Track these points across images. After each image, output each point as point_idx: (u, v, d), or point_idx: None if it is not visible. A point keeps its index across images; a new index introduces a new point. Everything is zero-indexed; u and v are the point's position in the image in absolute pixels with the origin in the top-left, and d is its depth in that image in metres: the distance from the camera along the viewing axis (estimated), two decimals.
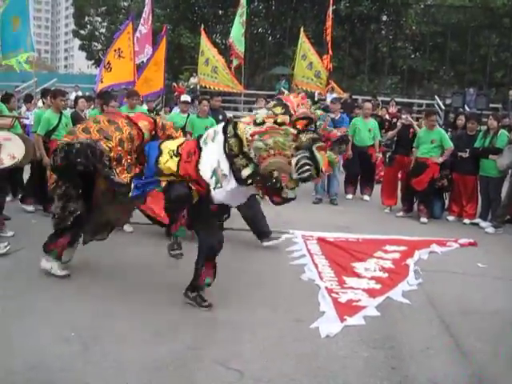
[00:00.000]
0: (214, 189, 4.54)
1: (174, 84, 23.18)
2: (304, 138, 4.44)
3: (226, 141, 4.49)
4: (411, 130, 10.00)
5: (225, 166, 4.48)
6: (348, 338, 4.42)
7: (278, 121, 4.41)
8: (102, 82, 13.49)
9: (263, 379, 3.69)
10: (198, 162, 4.69)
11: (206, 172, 4.61)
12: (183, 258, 5.19)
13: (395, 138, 10.32)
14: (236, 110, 22.19)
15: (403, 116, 10.33)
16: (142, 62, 17.22)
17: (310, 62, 19.45)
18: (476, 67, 28.88)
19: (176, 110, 14.01)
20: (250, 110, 13.15)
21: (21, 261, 5.97)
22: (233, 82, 19.07)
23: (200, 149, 4.77)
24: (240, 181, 4.43)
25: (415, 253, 7.08)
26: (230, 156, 4.43)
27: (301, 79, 19.85)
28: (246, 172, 4.37)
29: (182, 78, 26.73)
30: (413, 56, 30.82)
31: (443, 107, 22.91)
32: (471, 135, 9.14)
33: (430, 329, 4.75)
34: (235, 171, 4.42)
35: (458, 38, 28.50)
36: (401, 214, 9.59)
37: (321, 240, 7.50)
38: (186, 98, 10.94)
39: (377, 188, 11.02)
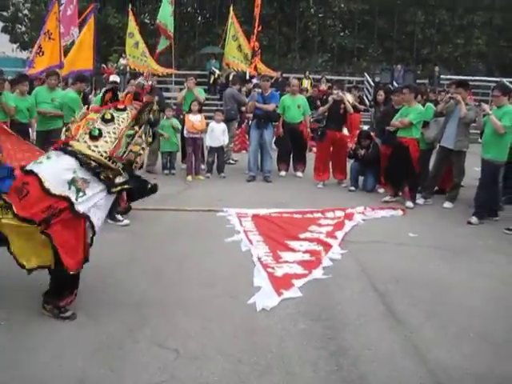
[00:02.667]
0: (77, 199, 3.98)
1: (103, 66, 22.62)
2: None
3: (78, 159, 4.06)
4: (342, 106, 10.08)
5: (83, 173, 4.04)
6: (285, 311, 4.42)
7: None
8: (33, 67, 13.15)
9: (200, 357, 3.64)
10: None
11: (57, 187, 3.97)
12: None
13: (326, 114, 10.39)
14: (167, 90, 21.84)
15: (334, 91, 10.38)
16: (66, 44, 16.73)
17: (239, 45, 19.46)
18: (403, 44, 29.46)
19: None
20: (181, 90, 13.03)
21: None
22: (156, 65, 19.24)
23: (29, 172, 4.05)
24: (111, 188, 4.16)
25: (345, 223, 7.21)
26: (93, 169, 4.07)
27: (232, 59, 19.82)
28: (119, 179, 4.20)
29: (111, 59, 26.05)
30: (342, 34, 31.12)
31: (372, 84, 23.30)
32: (398, 108, 9.19)
33: (365, 298, 4.82)
34: (105, 180, 4.11)
35: (386, 16, 28.94)
36: (387, 198, 9.01)
37: (255, 217, 7.48)
38: (114, 78, 10.72)
39: (308, 164, 11.12)
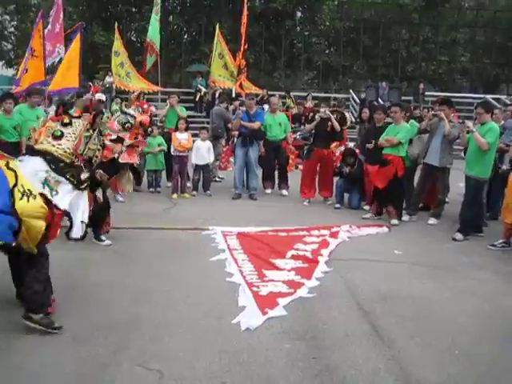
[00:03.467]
0: (52, 197, 4.28)
1: (90, 83, 22.56)
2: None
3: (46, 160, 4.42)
4: (329, 124, 10.14)
5: (54, 174, 4.38)
6: (270, 331, 4.38)
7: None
8: (20, 85, 13.28)
9: (185, 378, 3.59)
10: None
11: (36, 186, 4.26)
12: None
13: (313, 131, 10.46)
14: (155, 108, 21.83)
15: (321, 110, 10.46)
16: (54, 62, 16.78)
17: (225, 63, 19.54)
18: (388, 61, 29.82)
19: None
20: None
21: None
22: (145, 83, 19.20)
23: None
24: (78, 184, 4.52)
25: (331, 242, 7.22)
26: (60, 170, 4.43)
27: (217, 77, 19.88)
28: (84, 176, 4.58)
29: (97, 77, 26.04)
30: (327, 51, 31.41)
31: (358, 101, 23.48)
32: (379, 126, 9.21)
33: (350, 316, 4.79)
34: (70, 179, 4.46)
35: (371, 34, 29.29)
36: (368, 215, 9.03)
37: (240, 235, 7.46)
38: (100, 96, 10.63)
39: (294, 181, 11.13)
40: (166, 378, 3.58)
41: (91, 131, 4.92)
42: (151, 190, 10.76)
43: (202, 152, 10.64)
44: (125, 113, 6.17)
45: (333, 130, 10.14)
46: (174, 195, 10.33)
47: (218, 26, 19.71)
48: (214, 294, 5.23)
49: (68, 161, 4.51)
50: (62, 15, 17.17)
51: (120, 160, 5.83)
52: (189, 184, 10.82)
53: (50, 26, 16.88)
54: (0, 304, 4.69)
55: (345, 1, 30.70)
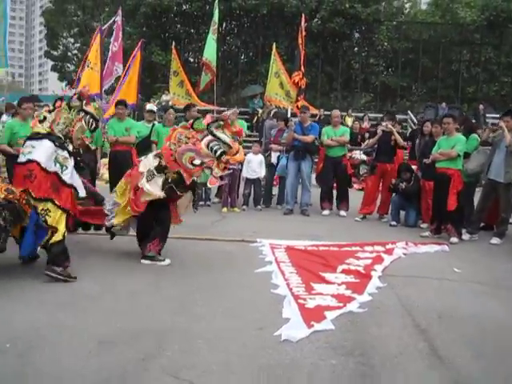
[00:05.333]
0: (62, 172, 5.47)
1: (146, 103, 22.85)
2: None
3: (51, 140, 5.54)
4: (392, 138, 9.79)
5: (61, 151, 5.53)
6: (315, 345, 4.02)
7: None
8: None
9: None
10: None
11: (50, 166, 5.42)
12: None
13: (376, 146, 10.12)
14: None
15: (383, 123, 10.11)
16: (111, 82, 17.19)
17: (280, 82, 19.35)
18: (448, 83, 29.01)
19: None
20: None
21: None
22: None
23: None
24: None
25: (385, 258, 6.80)
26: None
27: (274, 96, 19.66)
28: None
29: (154, 97, 26.38)
30: (385, 73, 30.89)
31: (416, 121, 22.86)
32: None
33: (404, 334, 4.37)
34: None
35: (430, 54, 28.65)
36: (426, 233, 8.53)
37: (289, 249, 7.13)
38: (151, 107, 10.66)
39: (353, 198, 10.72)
40: None
41: (71, 115, 5.77)
42: (201, 203, 10.54)
43: (254, 166, 10.42)
44: (215, 136, 5.83)
45: (396, 144, 9.81)
46: (224, 209, 10.11)
47: (274, 45, 19.60)
48: (257, 305, 4.91)
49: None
50: (121, 35, 17.53)
51: (209, 185, 6.36)
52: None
53: (110, 46, 17.31)
54: None
55: (403, 21, 30.23)
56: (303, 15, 18.84)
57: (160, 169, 5.95)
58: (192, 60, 30.96)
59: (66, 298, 4.91)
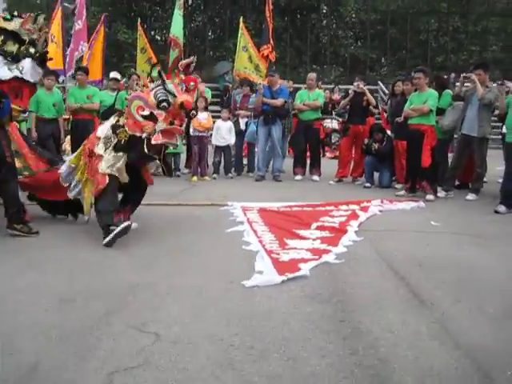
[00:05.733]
0: None
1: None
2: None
3: None
4: (364, 98, 9.56)
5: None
6: (289, 295, 3.76)
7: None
8: None
9: (183, 340, 2.99)
10: None
11: None
12: None
13: (348, 107, 9.89)
14: None
15: (355, 83, 9.83)
16: (77, 59, 16.68)
17: (249, 55, 18.96)
18: (417, 53, 28.89)
19: None
20: None
21: None
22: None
23: None
24: None
25: (361, 215, 6.57)
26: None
27: (243, 70, 19.20)
28: None
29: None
30: (354, 45, 30.64)
31: (387, 91, 22.66)
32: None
33: (383, 281, 4.14)
34: None
35: (398, 25, 28.48)
36: (401, 193, 8.37)
37: (262, 210, 6.85)
38: (115, 74, 10.23)
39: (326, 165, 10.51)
40: (162, 341, 2.99)
41: None
42: None
43: (223, 133, 10.09)
44: (166, 89, 5.15)
45: (368, 105, 9.59)
46: (194, 178, 9.77)
47: (241, 19, 19.17)
48: (228, 261, 4.63)
49: None
50: (85, 13, 16.96)
51: (152, 141, 5.08)
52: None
53: (74, 24, 16.81)
54: None
55: None
56: None
57: (114, 128, 5.34)
58: (159, 38, 30.33)
59: (28, 259, 4.61)
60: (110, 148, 5.25)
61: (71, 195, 5.66)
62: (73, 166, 5.67)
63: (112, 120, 5.52)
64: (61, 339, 3.03)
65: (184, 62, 5.56)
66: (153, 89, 5.16)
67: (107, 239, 5.00)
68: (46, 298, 3.65)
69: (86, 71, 9.76)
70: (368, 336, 3.11)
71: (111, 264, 4.54)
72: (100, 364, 2.74)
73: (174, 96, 5.13)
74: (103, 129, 5.49)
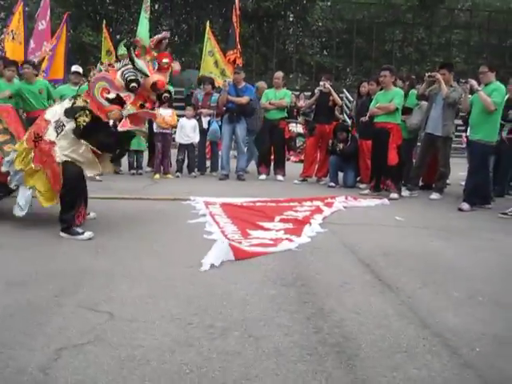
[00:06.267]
0: None
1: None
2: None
3: None
4: (330, 98, 9.50)
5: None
6: (250, 278, 3.62)
7: None
8: None
9: (138, 319, 2.83)
10: None
11: None
12: None
13: (314, 107, 9.83)
14: None
15: (321, 83, 9.77)
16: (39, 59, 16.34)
17: (215, 60, 18.86)
18: (382, 63, 29.02)
19: None
20: None
21: None
22: None
23: None
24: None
25: (325, 210, 6.48)
26: None
27: (209, 74, 19.12)
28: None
29: (85, 79, 25.35)
30: (320, 53, 30.80)
31: (351, 99, 22.80)
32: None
33: (348, 268, 4.03)
34: None
35: (364, 35, 28.72)
36: (366, 192, 8.23)
37: (224, 205, 6.68)
38: (76, 68, 9.92)
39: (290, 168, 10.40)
40: (116, 320, 2.82)
41: None
42: (132, 171, 9.97)
43: (187, 131, 9.90)
44: (136, 68, 4.61)
45: (334, 105, 9.54)
46: (156, 175, 9.55)
47: (208, 24, 19.06)
48: (188, 249, 4.46)
49: None
50: (49, 12, 16.64)
51: (119, 128, 4.59)
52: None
53: (35, 23, 16.49)
54: None
55: (337, 1, 30.18)
56: None
57: (70, 111, 4.72)
58: (125, 41, 30.00)
59: None
60: (63, 133, 4.72)
61: (12, 185, 5.12)
62: (9, 152, 5.16)
63: (65, 103, 4.91)
64: (7, 318, 2.84)
65: (156, 37, 4.86)
66: (120, 68, 4.65)
67: (64, 235, 4.71)
68: None
69: (32, 64, 9.45)
70: (333, 316, 2.99)
71: (65, 250, 4.33)
72: (47, 341, 2.56)
73: (146, 75, 4.64)
74: (52, 112, 4.93)
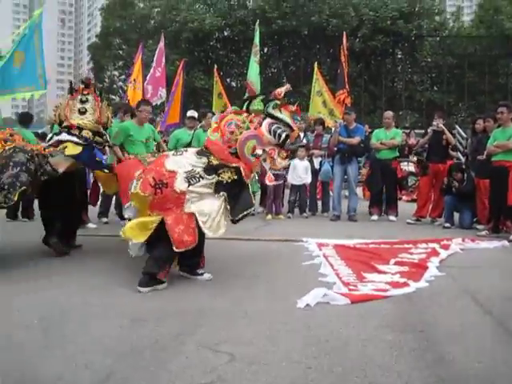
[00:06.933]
0: None
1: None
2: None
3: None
4: (444, 137, 9.37)
5: None
6: (366, 323, 3.63)
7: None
8: None
9: (259, 361, 2.93)
10: None
11: None
12: None
13: (426, 146, 9.72)
14: None
15: (434, 122, 9.67)
16: (157, 104, 17.30)
17: (323, 100, 19.06)
18: (496, 97, 28.17)
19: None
20: None
21: None
22: None
23: None
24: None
25: (441, 252, 6.32)
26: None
27: (317, 115, 19.37)
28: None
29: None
30: (430, 89, 30.29)
31: (464, 135, 22.14)
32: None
33: (469, 314, 3.93)
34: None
35: (476, 69, 28.00)
36: (483, 233, 7.94)
37: (337, 246, 6.72)
38: (192, 113, 10.42)
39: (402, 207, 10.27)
40: (237, 361, 2.93)
41: (101, 103, 6.11)
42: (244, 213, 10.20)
43: (299, 172, 10.07)
44: (275, 118, 4.85)
45: (448, 144, 9.40)
46: (268, 216, 9.76)
47: (316, 65, 19.39)
48: (303, 290, 4.52)
49: (94, 129, 5.88)
50: (164, 60, 17.69)
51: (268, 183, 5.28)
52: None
53: (152, 70, 17.52)
54: None
55: (447, 36, 29.69)
56: (344, 33, 18.53)
57: (210, 169, 4.73)
58: (234, 85, 31.12)
59: (99, 281, 4.77)
60: (199, 184, 4.66)
61: (126, 214, 5.09)
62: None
63: (191, 156, 4.89)
64: (132, 354, 3.04)
65: (281, 89, 4.99)
66: (260, 122, 4.83)
67: (142, 289, 4.45)
68: (118, 317, 3.71)
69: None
70: (455, 365, 2.94)
71: (184, 289, 4.55)
72: (172, 379, 2.72)
73: (291, 129, 4.88)
74: (177, 163, 4.84)
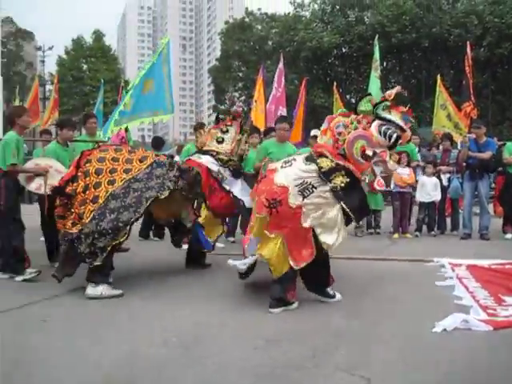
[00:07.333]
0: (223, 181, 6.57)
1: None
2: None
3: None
4: None
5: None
6: (508, 348, 3.50)
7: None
8: None
9: None
10: None
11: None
12: None
13: None
14: None
15: None
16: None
17: (448, 113, 18.52)
18: None
19: None
20: None
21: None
22: None
23: None
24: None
25: None
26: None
27: (441, 129, 18.78)
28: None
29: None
30: None
31: None
32: None
33: None
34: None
35: None
36: None
37: (471, 267, 6.49)
38: (316, 132, 10.51)
39: None
40: None
41: (241, 135, 6.63)
42: (370, 231, 10.15)
43: (428, 189, 9.85)
44: (385, 119, 4.73)
45: None
46: (395, 235, 9.61)
47: (438, 77, 18.90)
48: (438, 313, 4.43)
49: (226, 158, 6.43)
50: (283, 79, 18.04)
51: (376, 187, 4.93)
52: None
53: (273, 91, 17.91)
54: None
55: None
56: (468, 43, 17.90)
57: (321, 176, 4.59)
58: (354, 101, 30.97)
59: (231, 301, 4.93)
60: (314, 195, 4.55)
61: (248, 253, 4.97)
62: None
63: (303, 164, 4.74)
64: (269, 375, 3.13)
65: (391, 91, 4.92)
66: (377, 125, 4.68)
67: (273, 310, 4.51)
68: (253, 337, 3.84)
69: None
70: None
71: (315, 309, 4.63)
72: None
73: (402, 130, 4.76)
74: (285, 177, 4.68)
